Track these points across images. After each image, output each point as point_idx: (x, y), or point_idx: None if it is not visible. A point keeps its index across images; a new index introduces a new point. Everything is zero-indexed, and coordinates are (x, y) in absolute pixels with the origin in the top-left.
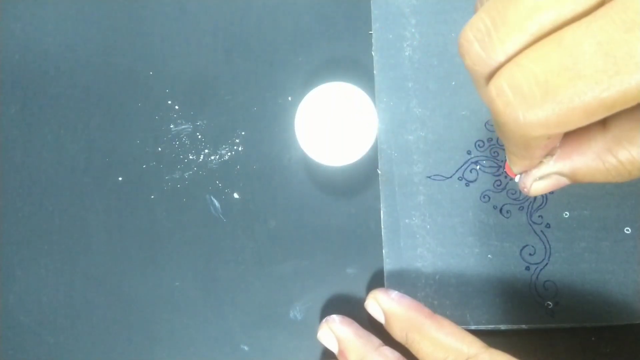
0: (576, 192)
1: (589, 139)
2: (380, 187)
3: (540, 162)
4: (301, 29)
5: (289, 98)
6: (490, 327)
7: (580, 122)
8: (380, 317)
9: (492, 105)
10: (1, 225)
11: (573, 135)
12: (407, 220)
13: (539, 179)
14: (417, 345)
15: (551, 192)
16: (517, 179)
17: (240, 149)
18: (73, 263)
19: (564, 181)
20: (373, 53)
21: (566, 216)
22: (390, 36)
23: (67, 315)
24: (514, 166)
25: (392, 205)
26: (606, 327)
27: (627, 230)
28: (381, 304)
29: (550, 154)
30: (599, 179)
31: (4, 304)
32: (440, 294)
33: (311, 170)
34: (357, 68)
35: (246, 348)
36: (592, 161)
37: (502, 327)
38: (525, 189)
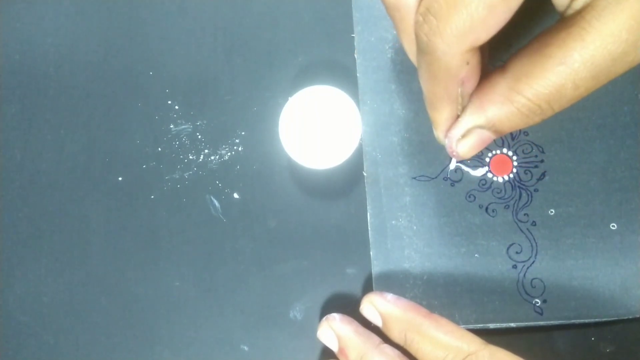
0: (561, 189)
1: (492, 85)
2: (366, 189)
3: (457, 120)
4: (302, 30)
5: (289, 98)
6: (479, 326)
7: (487, 20)
8: (377, 321)
9: (418, 36)
10: (1, 225)
11: (479, 88)
12: (393, 222)
13: (462, 138)
14: (416, 345)
15: (536, 190)
16: (445, 143)
17: (240, 149)
18: (73, 263)
19: (487, 134)
20: (356, 56)
21: (552, 214)
22: (372, 39)
23: (67, 315)
24: (437, 121)
25: (379, 207)
26: (606, 326)
27: (613, 226)
28: (378, 306)
29: (463, 104)
30: (518, 123)
31: (4, 304)
32: (429, 295)
33: (311, 170)
34: (340, 71)
35: (246, 348)
36: (503, 105)
37: (491, 326)
38: (454, 152)
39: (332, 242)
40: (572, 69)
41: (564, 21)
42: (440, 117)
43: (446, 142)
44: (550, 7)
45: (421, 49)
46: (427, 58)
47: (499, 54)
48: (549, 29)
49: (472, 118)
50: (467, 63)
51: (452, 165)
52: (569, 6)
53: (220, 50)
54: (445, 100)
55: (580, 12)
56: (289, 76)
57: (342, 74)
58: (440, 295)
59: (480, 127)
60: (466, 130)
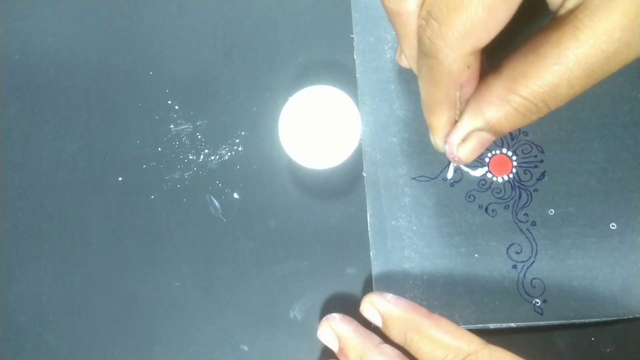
0: (561, 189)
1: (488, 87)
2: (365, 190)
3: (455, 125)
4: (302, 30)
5: (289, 98)
6: (479, 326)
7: (487, 22)
8: (377, 321)
9: (421, 40)
10: (1, 225)
11: (475, 91)
12: (393, 222)
13: (462, 143)
14: (416, 345)
15: (535, 190)
16: (446, 149)
17: (240, 149)
18: (73, 263)
19: (486, 137)
20: (355, 56)
21: (551, 213)
22: (372, 39)
23: (67, 315)
24: (436, 126)
25: (378, 207)
26: (606, 326)
27: (613, 226)
28: (378, 306)
29: (460, 109)
30: (516, 123)
31: (4, 304)
32: (429, 295)
33: (311, 170)
34: (340, 71)
35: (246, 348)
36: (500, 106)
37: (491, 326)
38: (456, 158)
39: (332, 242)
40: (566, 68)
41: (557, 21)
42: (439, 122)
43: (446, 148)
44: (544, 7)
45: (423, 52)
46: (429, 62)
47: (494, 55)
48: (543, 29)
49: (471, 121)
50: (468, 67)
51: (450, 174)
52: (562, 5)
53: (220, 50)
54: (444, 105)
55: (573, 11)
56: (289, 76)
57: (342, 74)
58: (440, 295)
59: (479, 129)
60: (466, 134)
